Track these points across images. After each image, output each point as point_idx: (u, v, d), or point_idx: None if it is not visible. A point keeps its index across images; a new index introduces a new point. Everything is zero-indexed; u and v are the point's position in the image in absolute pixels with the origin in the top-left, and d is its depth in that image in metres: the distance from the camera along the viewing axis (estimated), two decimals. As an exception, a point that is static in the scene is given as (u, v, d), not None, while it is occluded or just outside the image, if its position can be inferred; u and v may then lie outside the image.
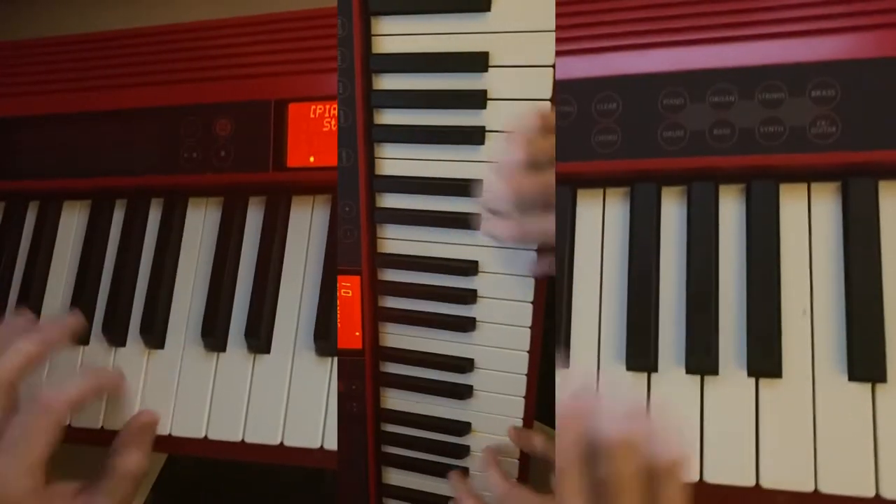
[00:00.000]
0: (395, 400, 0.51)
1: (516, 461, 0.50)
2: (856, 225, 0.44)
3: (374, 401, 0.51)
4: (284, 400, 0.50)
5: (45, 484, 0.43)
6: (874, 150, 0.43)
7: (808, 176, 0.46)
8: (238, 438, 0.50)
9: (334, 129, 0.51)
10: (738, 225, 0.47)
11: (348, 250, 0.48)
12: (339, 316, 0.49)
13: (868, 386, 0.43)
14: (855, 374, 0.43)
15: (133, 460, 0.47)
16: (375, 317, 0.49)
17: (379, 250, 0.48)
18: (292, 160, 0.52)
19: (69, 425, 0.54)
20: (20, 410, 0.44)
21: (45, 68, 0.60)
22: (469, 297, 0.46)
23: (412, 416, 0.51)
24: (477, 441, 0.50)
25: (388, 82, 0.44)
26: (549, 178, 0.40)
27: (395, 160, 0.46)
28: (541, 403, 0.48)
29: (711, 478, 0.43)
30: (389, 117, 0.45)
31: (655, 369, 0.46)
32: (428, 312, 0.48)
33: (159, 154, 0.55)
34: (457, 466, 0.51)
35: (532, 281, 0.45)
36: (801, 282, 0.45)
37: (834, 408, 0.43)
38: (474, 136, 0.43)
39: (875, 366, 0.42)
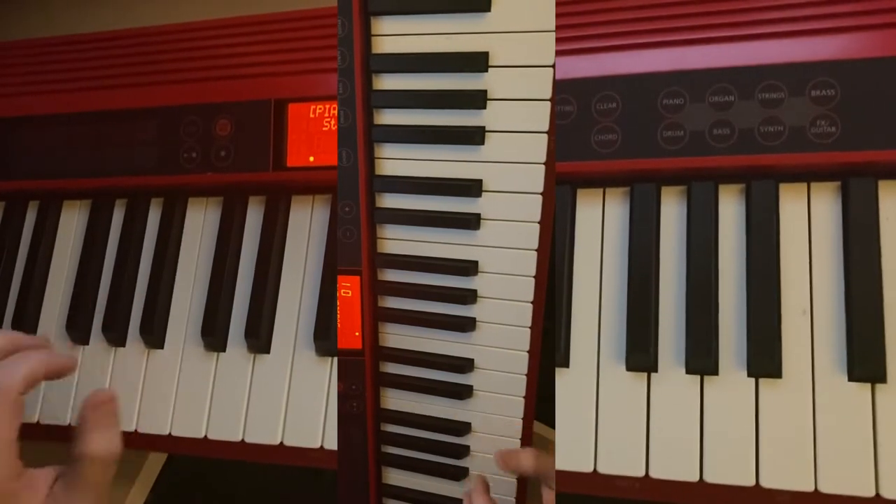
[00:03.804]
0: (395, 400, 0.51)
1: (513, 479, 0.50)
2: (856, 225, 0.44)
3: (374, 401, 0.51)
4: (284, 400, 0.50)
5: (21, 469, 0.42)
6: (874, 150, 0.43)
7: (807, 176, 0.46)
8: (238, 438, 0.50)
9: (334, 128, 0.51)
10: (737, 225, 0.47)
11: (348, 250, 0.48)
12: (339, 316, 0.49)
13: (868, 386, 0.43)
14: (855, 375, 0.43)
15: (98, 441, 0.43)
16: (375, 317, 0.49)
17: (379, 250, 0.48)
18: (292, 160, 0.52)
19: (69, 425, 0.54)
20: None
21: (46, 68, 0.60)
22: (469, 297, 0.46)
23: (412, 416, 0.51)
24: (477, 441, 0.50)
25: (388, 82, 0.44)
26: None
27: (395, 160, 0.46)
28: (540, 403, 0.48)
29: (711, 478, 0.43)
30: (389, 117, 0.45)
31: (655, 369, 0.46)
32: (428, 312, 0.48)
33: (159, 154, 0.55)
34: (457, 466, 0.51)
35: (532, 281, 0.45)
36: (801, 282, 0.45)
37: (834, 408, 0.43)
38: (474, 136, 0.43)
39: (875, 366, 0.42)
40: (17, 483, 0.42)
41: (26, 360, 0.43)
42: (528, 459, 0.46)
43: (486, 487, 0.48)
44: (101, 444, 0.43)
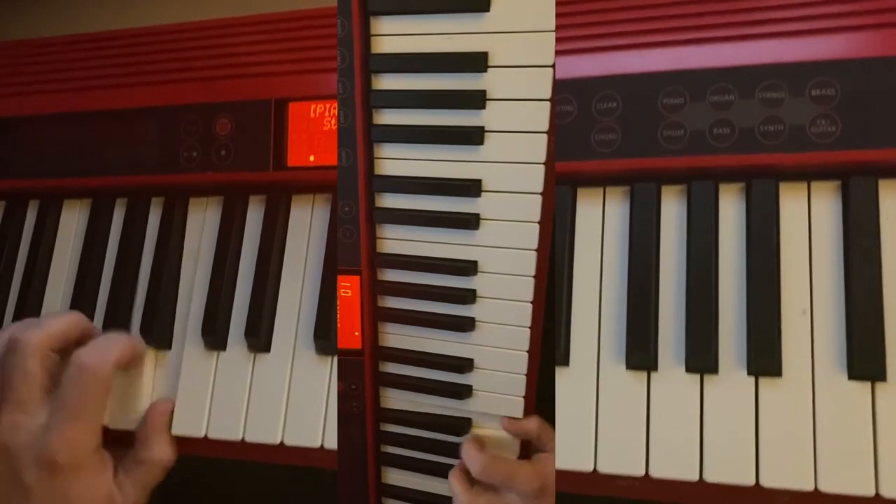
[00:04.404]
0: (395, 400, 0.51)
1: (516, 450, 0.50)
2: (856, 224, 0.44)
3: (373, 401, 0.51)
4: (284, 399, 0.50)
5: (100, 446, 0.47)
6: (874, 149, 0.43)
7: (808, 175, 0.46)
8: (238, 438, 0.50)
9: (334, 128, 0.51)
10: (738, 224, 0.47)
11: (348, 250, 0.48)
12: (338, 316, 0.49)
13: (868, 385, 0.43)
14: (855, 373, 0.43)
15: (162, 450, 0.49)
16: (375, 317, 0.49)
17: (379, 250, 0.48)
18: (292, 159, 0.52)
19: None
20: (71, 378, 0.46)
21: (45, 68, 0.60)
22: (469, 297, 0.46)
23: (412, 416, 0.51)
24: (477, 440, 0.50)
25: (387, 82, 0.44)
26: None
27: (394, 160, 0.46)
28: (540, 403, 0.48)
29: (711, 477, 0.43)
30: (389, 117, 0.45)
31: (655, 368, 0.46)
32: (427, 312, 0.48)
33: (159, 154, 0.55)
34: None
35: (532, 281, 0.45)
36: (801, 281, 0.45)
37: (834, 407, 0.43)
38: (474, 136, 0.43)
39: (875, 364, 0.42)
40: (97, 455, 0.47)
41: (114, 342, 0.49)
42: (534, 426, 0.48)
43: (482, 446, 0.49)
44: (165, 451, 0.50)
